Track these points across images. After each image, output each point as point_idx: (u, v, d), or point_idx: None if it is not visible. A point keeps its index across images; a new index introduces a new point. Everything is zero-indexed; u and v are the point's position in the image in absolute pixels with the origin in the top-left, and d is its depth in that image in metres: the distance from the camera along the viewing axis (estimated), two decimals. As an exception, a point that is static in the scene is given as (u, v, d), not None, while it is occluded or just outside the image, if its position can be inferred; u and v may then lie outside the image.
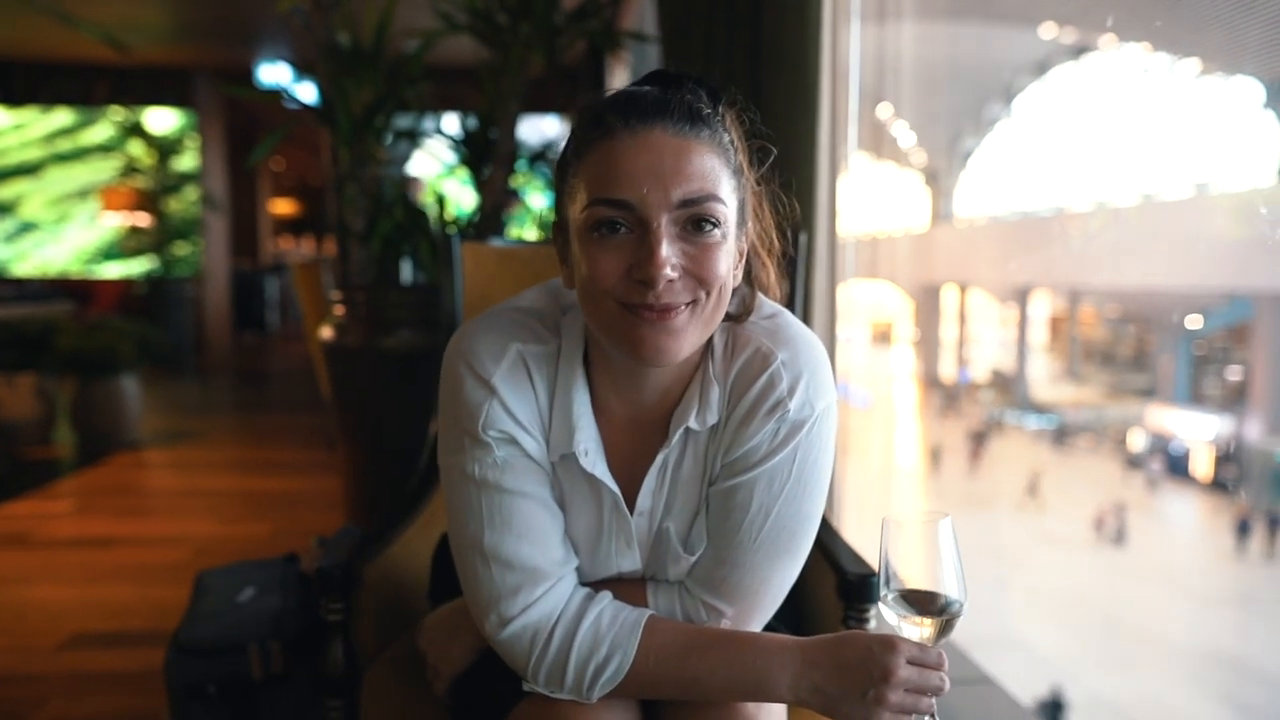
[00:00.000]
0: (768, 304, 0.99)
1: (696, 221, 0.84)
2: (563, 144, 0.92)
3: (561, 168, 0.90)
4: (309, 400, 6.03)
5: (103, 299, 8.09)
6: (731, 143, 0.89)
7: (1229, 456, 9.53)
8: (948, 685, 0.84)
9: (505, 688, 0.96)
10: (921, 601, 0.85)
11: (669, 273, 0.82)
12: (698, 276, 0.84)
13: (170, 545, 3.33)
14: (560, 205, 0.91)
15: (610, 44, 2.81)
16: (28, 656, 2.40)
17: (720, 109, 0.89)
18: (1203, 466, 9.80)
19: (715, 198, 0.84)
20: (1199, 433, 10.04)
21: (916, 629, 0.85)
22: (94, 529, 3.60)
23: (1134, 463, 10.86)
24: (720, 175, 0.86)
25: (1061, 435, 12.22)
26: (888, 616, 0.87)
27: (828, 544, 1.24)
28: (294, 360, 9.26)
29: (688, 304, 0.85)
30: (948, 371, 14.50)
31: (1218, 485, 9.59)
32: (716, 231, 0.85)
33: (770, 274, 1.00)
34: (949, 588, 0.84)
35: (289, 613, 1.69)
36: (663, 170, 0.82)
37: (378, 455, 2.72)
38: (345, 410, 2.82)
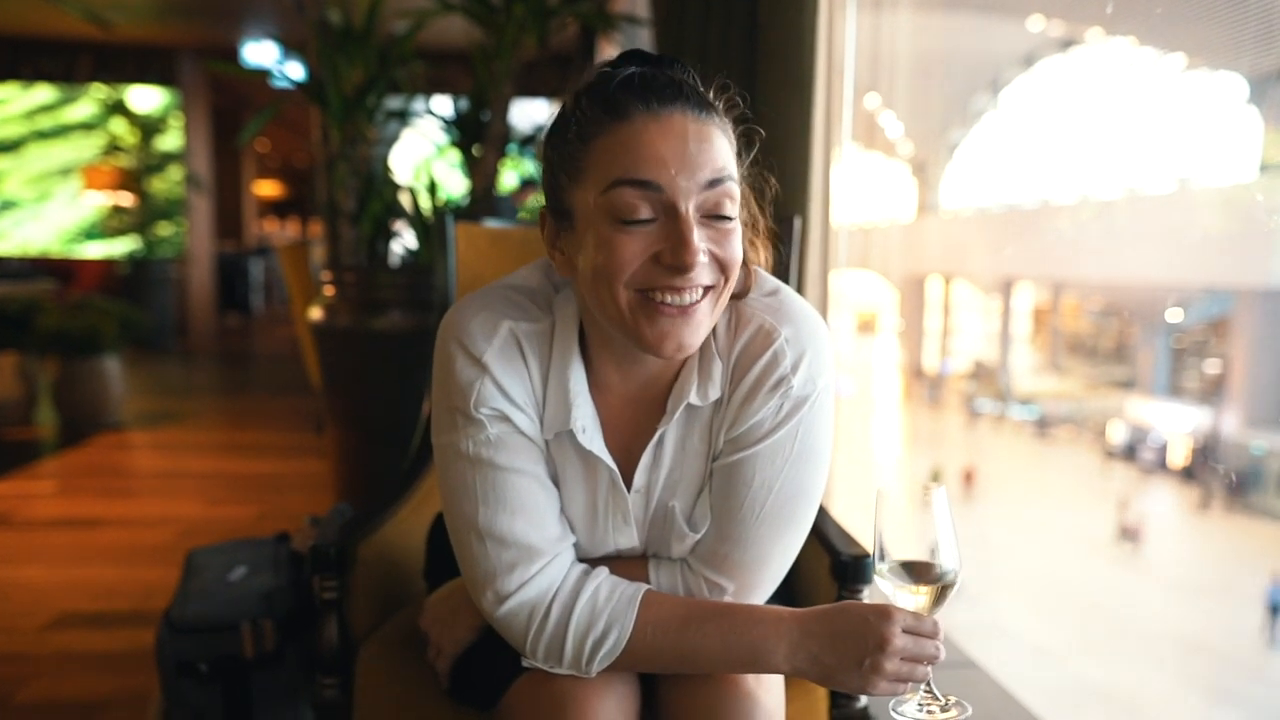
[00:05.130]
0: (768, 280, 0.99)
1: (716, 205, 0.84)
2: (556, 124, 0.90)
3: (560, 151, 0.88)
4: (294, 383, 5.99)
5: (85, 279, 8.00)
6: (725, 115, 0.90)
7: (1206, 448, 9.65)
8: (943, 654, 0.85)
9: (505, 664, 0.97)
10: (916, 571, 0.86)
11: (701, 257, 0.83)
12: (721, 261, 0.85)
13: (155, 526, 3.32)
14: (557, 191, 0.89)
15: (603, 26, 2.80)
16: (12, 636, 2.39)
17: (713, 93, 0.90)
18: (1179, 458, 9.92)
19: (733, 179, 0.85)
20: (1177, 425, 10.16)
21: (912, 598, 0.86)
22: (78, 509, 3.57)
23: (1112, 454, 10.98)
24: (730, 158, 0.87)
25: (1043, 426, 12.33)
26: (883, 586, 0.88)
27: (820, 525, 1.25)
28: (279, 343, 9.20)
29: (706, 292, 0.86)
30: (931, 362, 14.59)
31: (1193, 475, 9.71)
32: (733, 218, 0.86)
33: (760, 253, 1.01)
34: (944, 557, 0.85)
35: (281, 591, 1.69)
36: (687, 153, 0.82)
37: (367, 437, 2.72)
38: (334, 392, 2.81)
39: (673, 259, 0.82)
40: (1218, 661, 6.85)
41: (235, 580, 1.72)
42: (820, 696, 1.17)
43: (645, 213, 0.83)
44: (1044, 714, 1.80)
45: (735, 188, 0.85)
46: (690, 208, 0.83)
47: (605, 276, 0.84)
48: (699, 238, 0.83)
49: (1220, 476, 9.11)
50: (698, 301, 0.85)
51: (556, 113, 0.92)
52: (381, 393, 2.64)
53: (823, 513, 1.28)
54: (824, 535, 1.23)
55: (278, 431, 5.08)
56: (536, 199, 3.63)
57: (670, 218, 0.83)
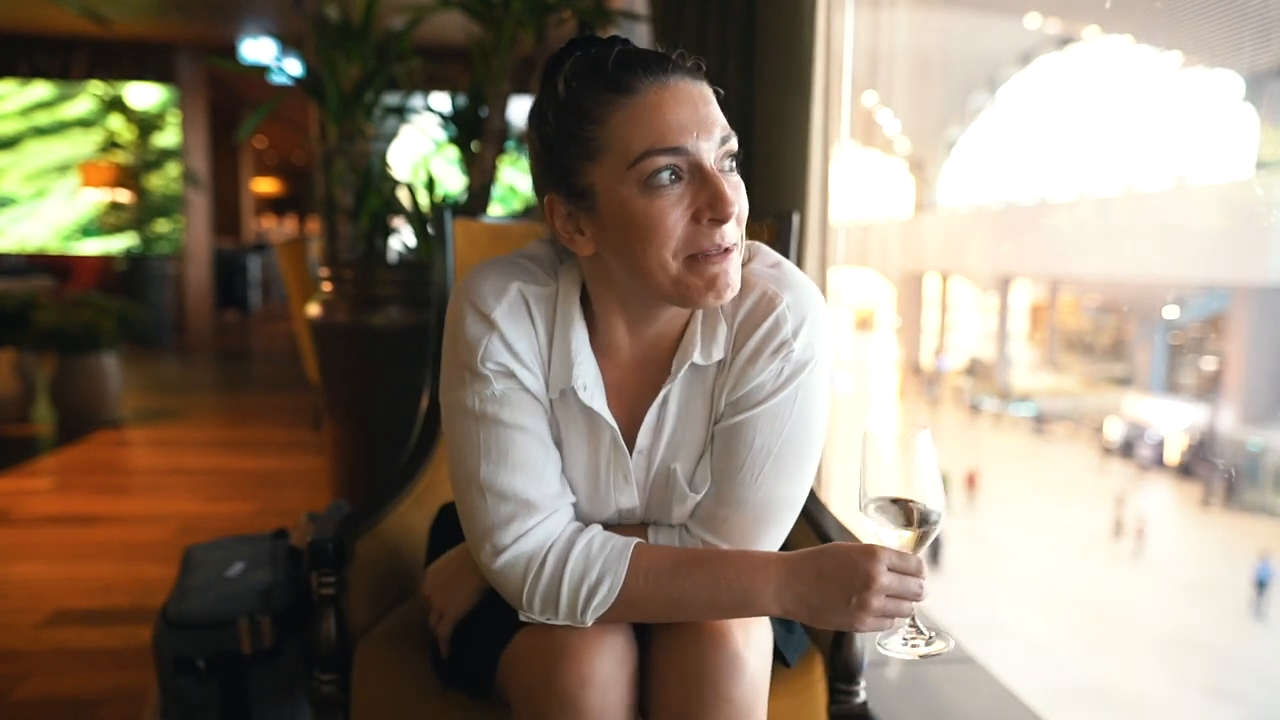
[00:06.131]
0: (770, 254, 1.02)
1: (727, 159, 0.89)
2: (544, 115, 0.92)
3: (566, 136, 0.90)
4: (292, 380, 5.99)
5: (82, 275, 7.98)
6: None
7: (1203, 445, 9.67)
8: (927, 591, 0.88)
9: (502, 630, 0.99)
10: (901, 511, 0.89)
11: (734, 208, 0.87)
12: (740, 212, 0.90)
13: (153, 523, 3.31)
14: (568, 175, 0.91)
15: (600, 21, 2.80)
16: (10, 633, 2.38)
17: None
18: (1176, 454, 9.93)
19: (733, 134, 0.90)
20: (1174, 421, 10.17)
21: (896, 537, 0.89)
22: (75, 506, 3.57)
23: (1110, 450, 10.99)
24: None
25: (1040, 423, 12.35)
26: (868, 526, 0.91)
27: (818, 519, 1.25)
28: (276, 340, 9.20)
29: (733, 244, 0.90)
30: (929, 359, 14.60)
31: (1190, 472, 9.73)
32: (737, 168, 0.91)
33: None
34: (927, 498, 0.88)
35: (279, 587, 1.69)
36: (698, 115, 0.88)
37: (366, 433, 2.71)
38: (332, 389, 2.81)
39: (715, 213, 0.87)
40: (1215, 653, 6.89)
41: (233, 576, 1.72)
42: (820, 692, 1.17)
43: (675, 176, 0.87)
44: (1043, 711, 1.80)
45: (735, 141, 0.90)
46: (713, 164, 0.88)
47: (652, 243, 0.88)
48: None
49: (1220, 472, 9.15)
50: (735, 244, 0.90)
51: (541, 101, 0.93)
52: (380, 389, 2.63)
53: (820, 506, 1.29)
54: (822, 530, 1.24)
55: (276, 428, 5.08)
56: None
57: (698, 177, 0.87)
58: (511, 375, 0.96)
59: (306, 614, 1.65)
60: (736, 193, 0.89)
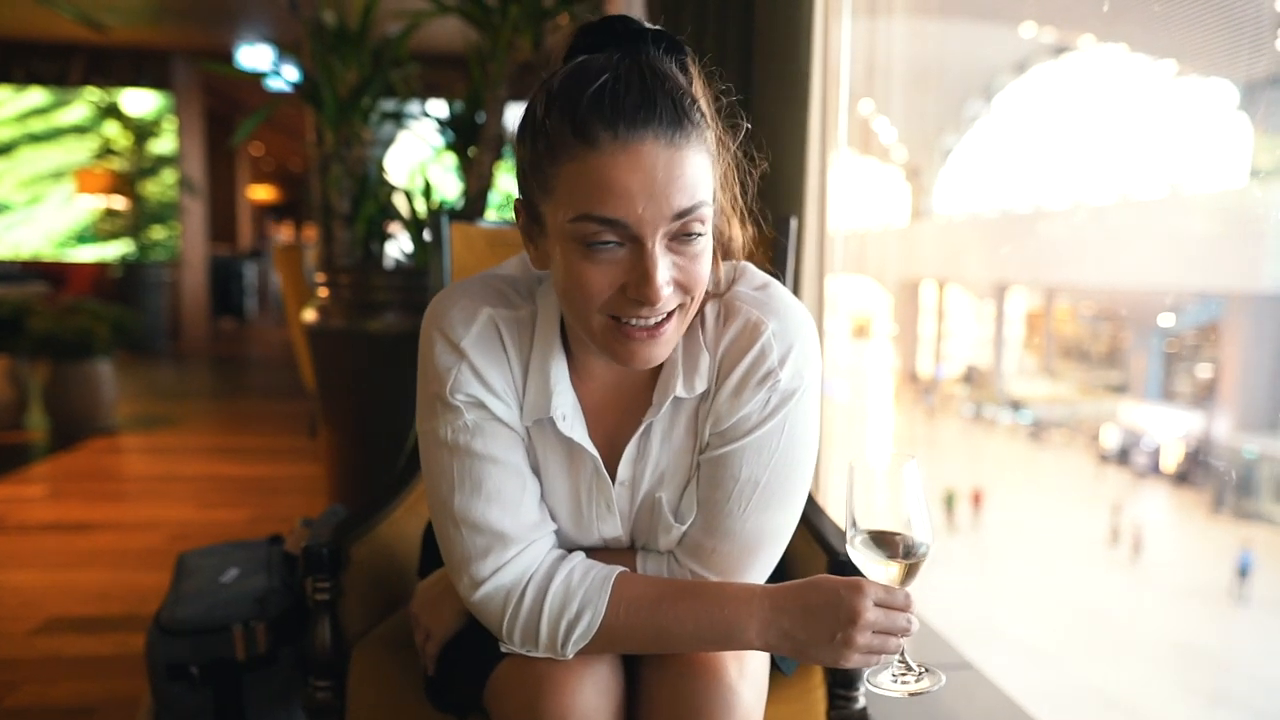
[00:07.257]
0: (758, 275, 0.99)
1: (684, 229, 0.82)
2: (527, 122, 0.87)
3: (532, 158, 0.85)
4: (288, 387, 5.98)
5: (77, 282, 7.98)
6: (704, 118, 0.84)
7: (1199, 452, 9.69)
8: (915, 626, 0.85)
9: (489, 651, 0.97)
10: (888, 544, 0.86)
11: (665, 290, 0.82)
12: (685, 285, 0.84)
13: (147, 530, 3.30)
14: (528, 193, 0.87)
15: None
16: (2, 641, 2.36)
17: (690, 77, 0.86)
18: (1172, 462, 9.95)
19: (704, 204, 0.82)
20: (1169, 429, 10.19)
21: (883, 570, 0.86)
22: (69, 513, 3.55)
23: (1106, 458, 11.01)
24: (706, 175, 0.83)
25: (1037, 430, 12.37)
26: (855, 559, 0.88)
27: (817, 525, 1.24)
28: (273, 347, 9.18)
29: (671, 313, 0.85)
30: (925, 366, 14.62)
31: (1186, 479, 9.75)
32: (703, 238, 0.83)
33: (736, 231, 0.97)
34: (915, 530, 0.86)
35: (273, 593, 1.68)
36: (655, 187, 0.79)
37: (362, 440, 2.70)
38: (329, 395, 2.80)
39: (637, 293, 0.81)
40: (1212, 656, 6.93)
41: (227, 582, 1.71)
42: (819, 698, 1.17)
43: (611, 243, 0.81)
44: (1042, 717, 1.80)
45: (707, 210, 0.83)
46: (657, 238, 0.81)
47: (575, 301, 0.84)
48: (664, 267, 0.81)
49: (1220, 477, 9.18)
50: (664, 321, 0.85)
51: (532, 105, 0.87)
52: (376, 395, 2.63)
53: (819, 512, 1.28)
54: (821, 535, 1.23)
55: (271, 435, 5.06)
56: None
57: (636, 249, 0.81)
58: (482, 406, 0.93)
59: (301, 620, 1.64)
60: (690, 264, 0.83)
